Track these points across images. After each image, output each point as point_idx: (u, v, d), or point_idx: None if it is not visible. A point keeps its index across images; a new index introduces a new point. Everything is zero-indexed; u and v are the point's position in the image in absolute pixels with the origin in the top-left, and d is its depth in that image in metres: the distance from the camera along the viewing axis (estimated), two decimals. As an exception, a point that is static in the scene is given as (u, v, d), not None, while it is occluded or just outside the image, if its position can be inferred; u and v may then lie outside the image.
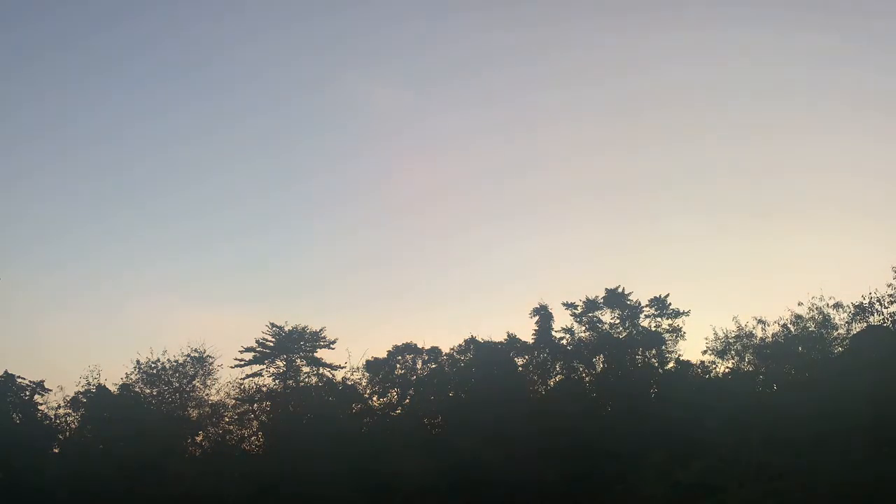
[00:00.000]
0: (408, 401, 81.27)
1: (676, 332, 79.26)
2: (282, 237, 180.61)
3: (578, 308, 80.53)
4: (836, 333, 69.74)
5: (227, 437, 77.88)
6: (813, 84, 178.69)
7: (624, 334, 79.32)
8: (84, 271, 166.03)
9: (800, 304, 70.91)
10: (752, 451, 61.03)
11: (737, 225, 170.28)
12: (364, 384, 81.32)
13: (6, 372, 76.97)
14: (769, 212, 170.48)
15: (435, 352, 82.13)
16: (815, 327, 69.96)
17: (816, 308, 69.88)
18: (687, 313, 79.62)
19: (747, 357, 72.60)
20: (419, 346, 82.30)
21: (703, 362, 76.85)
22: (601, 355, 79.73)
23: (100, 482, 66.10)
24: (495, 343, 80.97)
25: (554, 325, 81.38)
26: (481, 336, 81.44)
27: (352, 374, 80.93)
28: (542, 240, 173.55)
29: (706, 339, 74.85)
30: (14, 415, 76.10)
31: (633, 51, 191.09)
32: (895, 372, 58.46)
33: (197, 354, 77.85)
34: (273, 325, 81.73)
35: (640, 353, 79.39)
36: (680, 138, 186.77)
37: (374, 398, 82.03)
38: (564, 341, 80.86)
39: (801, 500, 57.24)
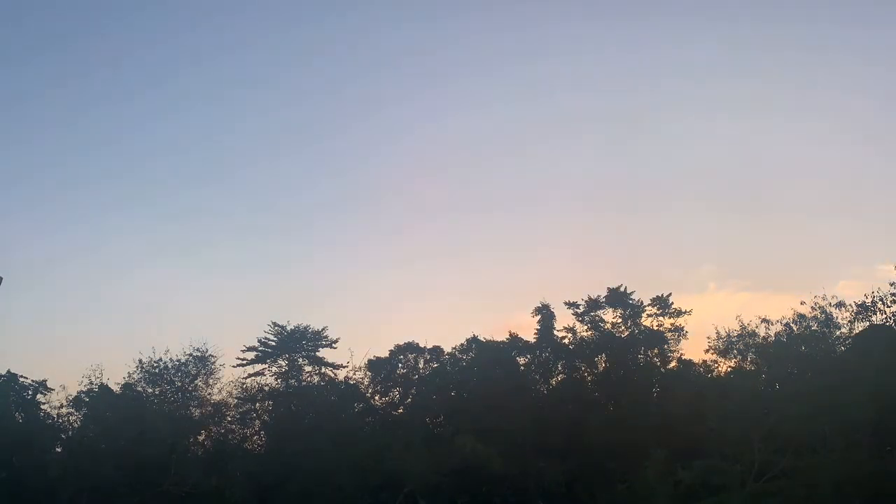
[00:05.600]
0: (410, 400, 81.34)
1: (678, 331, 79.29)
2: (283, 236, 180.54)
3: (580, 307, 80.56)
4: (838, 332, 69.76)
5: (230, 437, 77.88)
6: (817, 79, 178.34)
7: (626, 333, 79.31)
8: (86, 271, 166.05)
9: (802, 303, 70.99)
10: (755, 450, 60.96)
11: (738, 223, 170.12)
12: (366, 383, 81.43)
13: (9, 371, 76.90)
14: (770, 210, 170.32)
15: (437, 351, 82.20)
16: (817, 326, 69.91)
17: (819, 307, 69.86)
18: (689, 312, 79.71)
19: (749, 356, 72.59)
20: (421, 345, 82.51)
21: (705, 361, 76.95)
22: (603, 354, 79.78)
23: (102, 481, 66.05)
24: (497, 342, 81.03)
25: (556, 325, 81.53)
26: (483, 335, 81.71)
27: (354, 374, 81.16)
28: (543, 239, 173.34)
29: (708, 338, 75.05)
30: (16, 414, 76.02)
31: (632, 47, 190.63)
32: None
33: (199, 353, 77.60)
34: (275, 324, 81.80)
35: (642, 352, 79.41)
36: (680, 134, 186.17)
37: (377, 397, 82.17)
38: (566, 341, 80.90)
39: (804, 499, 57.17)
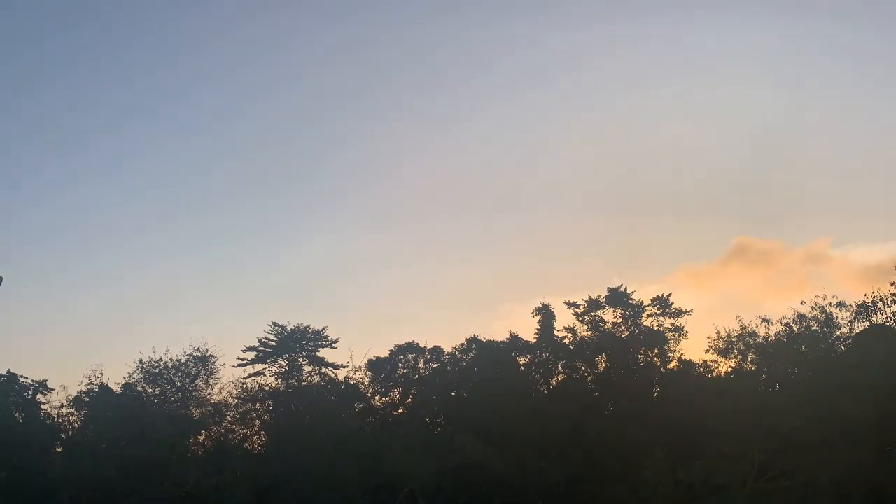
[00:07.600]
0: (410, 400, 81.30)
1: (678, 331, 79.18)
2: (284, 236, 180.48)
3: (580, 307, 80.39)
4: (838, 332, 69.76)
5: (230, 437, 78.02)
6: (821, 79, 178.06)
7: (626, 333, 79.17)
8: (86, 270, 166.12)
9: (802, 302, 71.04)
10: (754, 451, 60.99)
11: (737, 223, 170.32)
12: (366, 383, 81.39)
13: (9, 371, 77.13)
14: (769, 210, 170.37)
15: (437, 351, 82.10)
16: (817, 326, 69.93)
17: (819, 307, 69.89)
18: (689, 312, 79.59)
19: (750, 356, 72.58)
20: (421, 345, 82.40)
21: (705, 361, 76.89)
22: (603, 354, 79.60)
23: (102, 481, 66.21)
24: (497, 342, 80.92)
25: (556, 325, 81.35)
26: (483, 335, 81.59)
27: (354, 374, 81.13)
28: (543, 238, 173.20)
29: (709, 338, 75.00)
30: (17, 414, 76.24)
31: (633, 47, 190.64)
32: (898, 371, 58.44)
33: (199, 354, 78.03)
34: (275, 324, 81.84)
35: (642, 352, 79.23)
36: (679, 134, 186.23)
37: (377, 397, 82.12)
38: (566, 341, 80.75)
39: (804, 499, 57.20)
